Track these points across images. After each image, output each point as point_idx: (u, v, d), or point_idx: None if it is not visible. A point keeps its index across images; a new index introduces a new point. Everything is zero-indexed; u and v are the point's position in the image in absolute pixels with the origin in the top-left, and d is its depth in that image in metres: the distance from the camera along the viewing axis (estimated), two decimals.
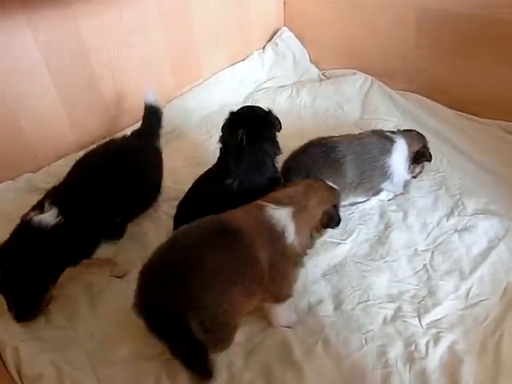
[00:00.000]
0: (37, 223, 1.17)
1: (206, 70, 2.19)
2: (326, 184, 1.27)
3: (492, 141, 1.78)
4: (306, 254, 1.22)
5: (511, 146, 1.74)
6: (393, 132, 1.61)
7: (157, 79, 2.00)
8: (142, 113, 1.96)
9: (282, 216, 1.14)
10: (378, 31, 2.09)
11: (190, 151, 1.93)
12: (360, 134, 1.62)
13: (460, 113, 1.93)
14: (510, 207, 1.53)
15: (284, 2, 2.40)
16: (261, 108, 1.46)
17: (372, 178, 1.55)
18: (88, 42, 1.68)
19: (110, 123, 1.89)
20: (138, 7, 1.78)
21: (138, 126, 1.93)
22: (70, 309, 1.29)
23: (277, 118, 1.44)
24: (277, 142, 1.43)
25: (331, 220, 1.21)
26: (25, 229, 1.18)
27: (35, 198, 1.53)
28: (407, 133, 1.62)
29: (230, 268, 1.04)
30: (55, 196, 1.26)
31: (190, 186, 1.43)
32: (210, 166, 1.46)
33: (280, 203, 1.16)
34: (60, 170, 1.68)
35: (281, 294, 1.19)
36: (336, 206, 1.23)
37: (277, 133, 1.44)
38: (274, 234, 1.12)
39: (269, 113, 1.43)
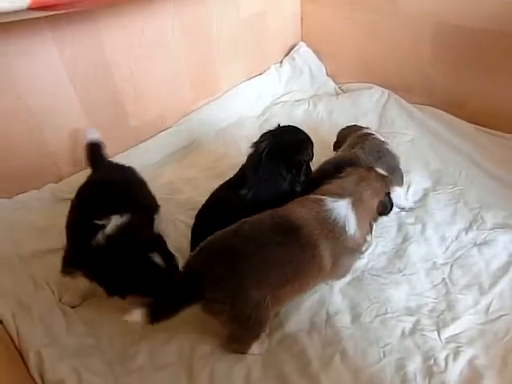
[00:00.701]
0: None
1: (224, 83, 2.23)
2: (377, 172, 1.29)
3: (511, 155, 1.76)
4: (366, 242, 1.27)
5: None
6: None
7: (176, 92, 2.04)
8: (161, 125, 2.04)
9: (342, 208, 1.16)
10: (396, 46, 2.10)
11: (208, 163, 1.96)
12: None
13: (478, 127, 1.92)
14: None
15: (301, 18, 2.43)
16: (299, 131, 1.49)
17: None
18: (111, 56, 1.73)
19: (131, 136, 1.94)
20: (158, 21, 1.83)
21: (156, 137, 2.00)
22: (90, 316, 1.31)
23: (308, 147, 1.45)
24: (299, 166, 1.41)
25: (386, 208, 1.26)
26: None
27: (58, 207, 1.60)
28: None
29: (288, 264, 1.07)
30: None
31: (207, 197, 1.45)
32: (227, 178, 1.49)
33: (336, 195, 1.19)
34: (80, 181, 1.74)
35: (337, 278, 1.29)
36: (388, 194, 1.28)
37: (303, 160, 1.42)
38: (337, 228, 1.14)
39: (302, 139, 1.45)
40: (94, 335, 1.26)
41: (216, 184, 1.48)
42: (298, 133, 1.48)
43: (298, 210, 1.16)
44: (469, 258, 1.42)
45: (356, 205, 1.19)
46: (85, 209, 1.27)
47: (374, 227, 1.29)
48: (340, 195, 1.19)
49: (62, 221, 1.31)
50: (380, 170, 1.32)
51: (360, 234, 1.19)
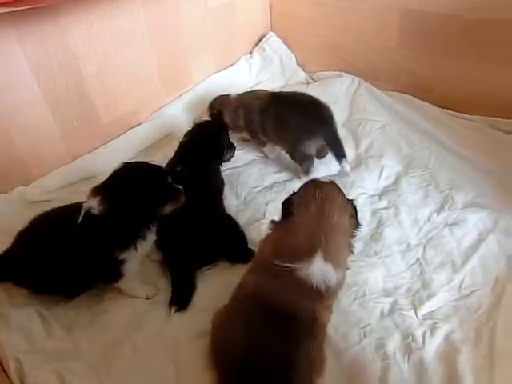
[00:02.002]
0: None
1: (195, 76, 2.22)
2: (327, 182, 1.17)
3: (479, 137, 1.82)
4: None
5: (497, 141, 1.78)
6: None
7: (146, 87, 2.01)
8: (133, 121, 2.00)
9: (316, 273, 1.02)
10: (363, 33, 2.13)
11: None
12: None
13: (446, 110, 1.97)
14: (497, 200, 1.57)
15: (270, 7, 2.43)
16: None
17: None
18: (77, 52, 1.69)
19: (101, 133, 1.90)
20: (125, 16, 1.79)
21: (128, 133, 1.97)
22: (68, 320, 1.29)
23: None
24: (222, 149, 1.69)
25: (357, 219, 1.15)
26: None
27: (28, 211, 1.55)
28: None
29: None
30: None
31: None
32: None
33: (302, 254, 1.03)
34: (51, 182, 1.71)
35: None
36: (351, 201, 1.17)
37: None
38: (318, 291, 1.02)
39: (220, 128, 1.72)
40: (74, 338, 1.24)
41: None
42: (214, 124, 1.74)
43: (283, 293, 1.03)
44: (441, 238, 1.48)
45: (328, 250, 1.03)
46: None
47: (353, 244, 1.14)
48: (309, 252, 1.02)
49: None
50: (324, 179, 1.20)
51: (342, 275, 1.08)
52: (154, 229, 1.27)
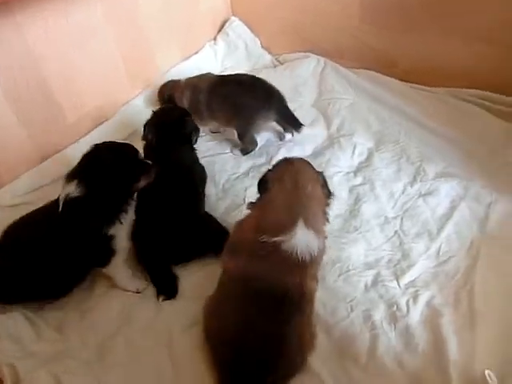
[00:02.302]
0: None
1: (161, 66, 2.18)
2: (297, 159, 1.21)
3: (443, 108, 1.87)
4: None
5: (461, 111, 1.84)
6: None
7: (111, 82, 1.96)
8: (100, 118, 1.95)
9: (300, 242, 1.05)
10: (324, 12, 2.13)
11: None
12: None
13: (411, 84, 2.01)
14: (466, 169, 1.64)
15: None
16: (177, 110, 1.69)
17: None
18: (36, 51, 1.63)
19: (69, 131, 1.85)
20: (82, 10, 1.73)
21: (97, 130, 1.93)
22: (58, 320, 1.28)
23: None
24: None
25: (329, 189, 1.20)
26: None
27: (2, 215, 1.51)
28: None
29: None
30: None
31: None
32: None
33: (285, 226, 1.06)
34: (22, 186, 1.66)
35: None
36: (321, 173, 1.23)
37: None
38: (303, 261, 1.05)
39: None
40: (65, 338, 1.24)
41: None
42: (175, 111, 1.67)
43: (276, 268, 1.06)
44: (416, 208, 1.53)
45: (307, 215, 1.07)
46: None
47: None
48: (289, 223, 1.06)
49: None
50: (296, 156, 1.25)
51: (322, 240, 1.12)
52: (132, 202, 1.32)
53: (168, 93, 1.93)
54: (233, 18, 2.43)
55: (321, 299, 1.27)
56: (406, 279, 1.32)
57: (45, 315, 1.29)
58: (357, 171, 1.71)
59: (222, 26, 2.44)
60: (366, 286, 1.32)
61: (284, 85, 2.16)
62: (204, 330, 1.17)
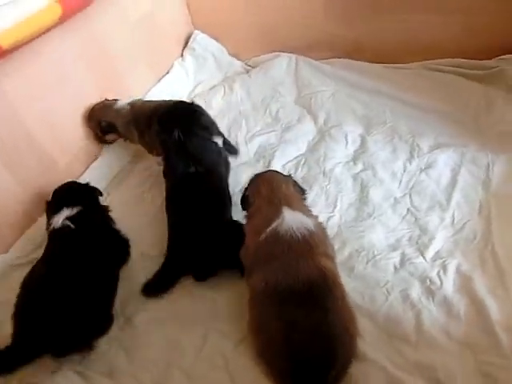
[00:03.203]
0: None
1: (137, 92, 2.16)
2: (268, 174, 1.41)
3: (421, 81, 1.95)
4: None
5: (439, 81, 1.92)
6: None
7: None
8: (89, 157, 1.93)
9: (291, 220, 1.19)
10: (288, 9, 2.17)
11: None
12: None
13: (384, 64, 2.08)
14: (456, 136, 1.72)
15: (188, 6, 2.40)
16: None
17: None
18: (16, 100, 1.60)
19: (62, 177, 1.80)
20: (54, 53, 1.70)
21: (88, 172, 1.90)
22: (107, 367, 1.26)
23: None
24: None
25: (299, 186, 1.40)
26: None
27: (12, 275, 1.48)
28: None
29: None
30: None
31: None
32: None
33: (273, 215, 1.21)
34: (27, 244, 1.63)
35: None
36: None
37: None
38: (305, 239, 1.17)
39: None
40: (120, 382, 1.22)
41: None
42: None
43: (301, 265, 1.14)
44: (421, 183, 1.59)
45: (289, 203, 1.24)
46: None
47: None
48: (276, 211, 1.22)
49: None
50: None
51: (315, 220, 1.25)
52: None
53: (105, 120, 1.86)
54: (196, 31, 2.44)
55: (357, 289, 1.32)
56: (431, 252, 1.38)
57: (92, 365, 1.27)
58: (355, 159, 1.76)
59: (187, 42, 2.44)
60: (395, 267, 1.37)
61: (262, 88, 2.22)
62: (255, 347, 1.19)
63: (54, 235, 1.38)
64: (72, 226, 1.36)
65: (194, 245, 1.38)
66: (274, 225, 1.18)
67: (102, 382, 1.22)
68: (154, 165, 1.86)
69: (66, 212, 1.39)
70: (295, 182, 1.40)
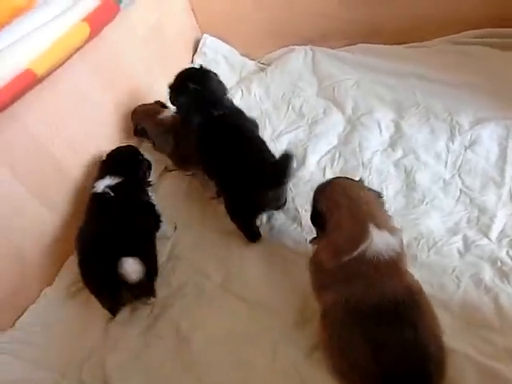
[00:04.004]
0: None
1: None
2: (338, 182, 1.25)
3: (446, 57, 1.89)
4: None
5: (466, 54, 1.86)
6: None
7: (113, 134, 1.91)
8: None
9: (380, 242, 1.06)
10: (299, 1, 2.12)
11: None
12: None
13: (405, 45, 2.02)
14: (495, 108, 1.65)
15: (193, 11, 2.35)
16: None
17: None
18: (40, 133, 1.56)
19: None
20: (70, 77, 1.66)
21: None
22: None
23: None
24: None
25: (373, 190, 1.24)
26: None
27: None
28: None
29: None
30: None
31: None
32: None
33: (359, 236, 1.07)
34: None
35: None
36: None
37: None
38: (392, 260, 1.06)
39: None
40: None
41: None
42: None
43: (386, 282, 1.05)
44: (469, 162, 1.54)
45: (374, 219, 1.09)
46: None
47: None
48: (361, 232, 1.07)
49: None
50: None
51: (398, 237, 1.12)
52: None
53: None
54: (204, 35, 2.39)
55: (424, 279, 1.22)
56: (495, 232, 1.32)
57: None
58: (393, 145, 1.70)
59: (197, 47, 2.39)
60: (459, 252, 1.32)
61: (280, 84, 2.18)
62: (337, 372, 1.12)
63: (94, 198, 1.55)
64: (111, 193, 1.52)
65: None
66: (360, 248, 1.05)
67: None
68: None
69: (108, 180, 1.56)
70: (367, 186, 1.25)
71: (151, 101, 2.04)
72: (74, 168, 1.72)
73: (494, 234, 1.32)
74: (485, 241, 1.32)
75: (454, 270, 1.28)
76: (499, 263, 1.25)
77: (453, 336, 1.12)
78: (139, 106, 1.92)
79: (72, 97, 1.69)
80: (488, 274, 1.24)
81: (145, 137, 1.90)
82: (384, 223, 1.10)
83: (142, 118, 1.88)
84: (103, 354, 1.33)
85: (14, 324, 1.46)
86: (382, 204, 1.20)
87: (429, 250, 1.34)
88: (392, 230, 1.10)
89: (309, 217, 1.30)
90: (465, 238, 1.34)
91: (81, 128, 1.73)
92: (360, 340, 1.02)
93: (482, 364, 1.06)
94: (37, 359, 1.36)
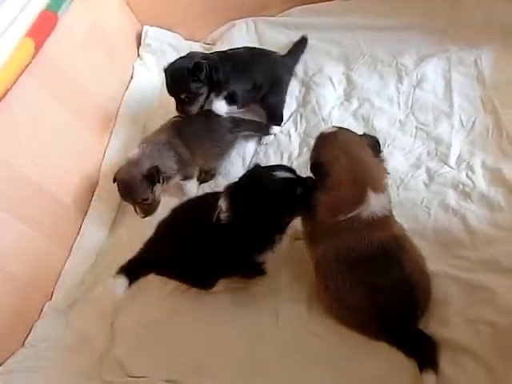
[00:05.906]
0: None
1: (112, 108, 2.12)
2: (340, 134, 1.23)
3: (379, 4, 1.92)
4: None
5: None
6: None
7: (80, 145, 1.91)
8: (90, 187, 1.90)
9: (375, 206, 1.11)
10: None
11: None
12: None
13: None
14: (435, 45, 1.74)
15: (128, 4, 2.32)
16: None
17: None
18: (20, 165, 1.58)
19: (69, 209, 1.80)
20: (20, 94, 1.65)
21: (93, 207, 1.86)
22: None
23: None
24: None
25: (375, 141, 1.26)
26: None
27: None
28: None
29: None
30: None
31: None
32: None
33: (358, 197, 1.11)
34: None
35: None
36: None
37: None
38: (385, 217, 1.13)
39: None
40: None
41: None
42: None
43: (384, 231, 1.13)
44: (419, 99, 1.63)
45: (372, 181, 1.13)
46: None
47: None
48: (360, 195, 1.11)
49: None
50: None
51: (388, 194, 1.18)
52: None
53: None
54: (145, 27, 2.37)
55: (398, 214, 1.27)
56: (453, 159, 1.44)
57: None
58: (348, 97, 1.76)
59: (140, 41, 2.37)
60: (425, 184, 1.42)
61: None
62: (338, 318, 1.21)
63: None
64: None
65: None
66: (356, 211, 1.10)
67: None
68: None
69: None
70: (371, 141, 1.24)
71: (105, 105, 2.04)
72: (45, 182, 1.71)
73: (452, 161, 1.43)
74: (446, 168, 1.42)
75: (422, 202, 1.38)
76: (461, 186, 1.36)
77: (432, 260, 1.23)
78: None
79: (29, 114, 1.68)
80: (453, 198, 1.35)
81: None
82: (379, 185, 1.14)
83: None
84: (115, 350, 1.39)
85: (23, 344, 1.50)
86: (381, 161, 1.23)
87: (398, 188, 1.44)
88: (385, 189, 1.16)
89: None
90: (428, 170, 1.45)
91: (45, 142, 1.72)
92: (356, 286, 1.12)
93: (462, 278, 1.18)
94: (53, 370, 1.40)
